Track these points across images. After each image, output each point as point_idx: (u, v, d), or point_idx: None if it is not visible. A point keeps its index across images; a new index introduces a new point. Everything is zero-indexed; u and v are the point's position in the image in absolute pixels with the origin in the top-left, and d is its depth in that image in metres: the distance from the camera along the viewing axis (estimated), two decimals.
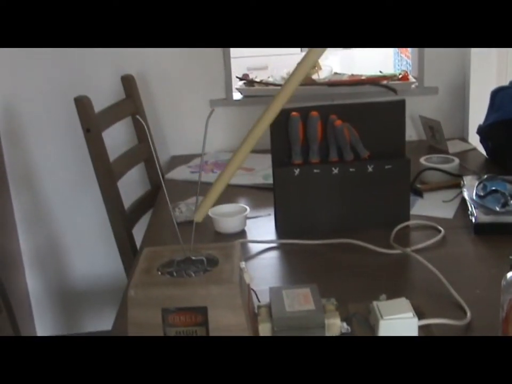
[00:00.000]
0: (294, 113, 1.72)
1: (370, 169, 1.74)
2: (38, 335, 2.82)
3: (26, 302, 2.79)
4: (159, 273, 1.14)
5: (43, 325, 2.84)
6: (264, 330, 1.13)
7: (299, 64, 1.13)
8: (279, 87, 2.62)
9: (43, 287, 2.82)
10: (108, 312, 2.74)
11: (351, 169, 1.74)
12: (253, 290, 1.23)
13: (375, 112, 1.77)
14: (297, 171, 1.72)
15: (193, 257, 1.17)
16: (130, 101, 2.39)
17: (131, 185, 2.47)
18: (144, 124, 1.20)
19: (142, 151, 2.37)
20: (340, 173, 1.73)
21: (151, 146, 1.28)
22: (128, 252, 2.12)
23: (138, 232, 2.04)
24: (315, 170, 1.73)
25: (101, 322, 2.79)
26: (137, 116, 1.20)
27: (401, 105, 1.76)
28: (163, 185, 1.24)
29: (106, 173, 2.09)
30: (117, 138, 2.48)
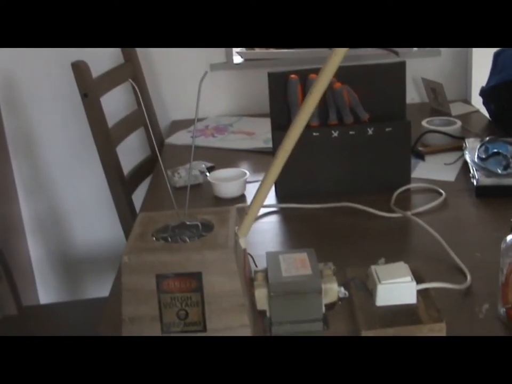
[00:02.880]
0: (292, 75, 1.70)
1: (370, 132, 1.72)
2: (41, 301, 2.82)
3: (29, 268, 2.78)
4: (154, 238, 1.12)
5: (46, 291, 2.85)
6: (260, 295, 1.11)
7: (323, 70, 1.11)
8: (279, 50, 2.59)
9: (45, 253, 2.81)
10: (110, 278, 2.72)
11: (351, 132, 1.72)
12: (250, 255, 1.21)
13: (376, 74, 1.74)
14: None
15: (188, 223, 1.15)
16: (129, 66, 2.36)
17: (131, 151, 2.45)
18: (137, 88, 1.18)
19: (141, 116, 2.34)
20: (339, 136, 1.71)
21: (143, 111, 1.25)
22: (128, 217, 2.10)
23: (139, 198, 2.02)
24: (314, 134, 1.71)
25: (102, 288, 2.78)
26: (130, 80, 1.17)
27: (401, 67, 1.74)
28: (156, 150, 1.22)
29: (105, 139, 2.07)
30: (116, 103, 2.45)
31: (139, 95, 1.18)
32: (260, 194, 1.14)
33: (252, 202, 1.14)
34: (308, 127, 1.71)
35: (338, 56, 1.06)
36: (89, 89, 2.00)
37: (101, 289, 2.79)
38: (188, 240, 1.11)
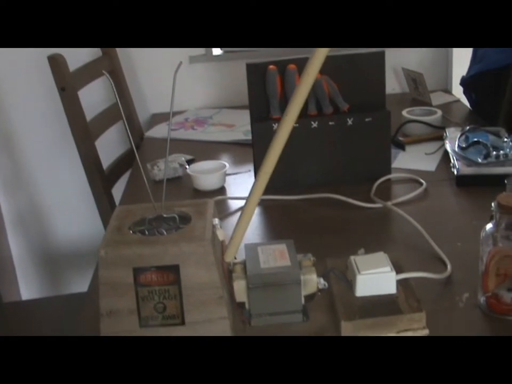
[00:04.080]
0: (271, 66, 1.68)
1: (350, 122, 1.71)
2: (23, 297, 2.80)
3: (10, 264, 2.76)
4: (131, 232, 1.11)
5: (27, 287, 2.83)
6: (239, 287, 1.10)
7: (306, 71, 1.08)
8: None
9: (26, 249, 2.79)
10: (91, 272, 2.70)
11: (330, 123, 1.71)
12: None
13: (355, 64, 1.73)
14: (275, 125, 1.69)
15: (165, 215, 1.14)
16: (107, 59, 2.34)
17: (110, 145, 2.43)
18: (111, 81, 1.15)
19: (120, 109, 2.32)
20: (319, 127, 1.70)
21: (119, 105, 1.23)
22: (107, 211, 2.09)
23: (119, 191, 2.01)
24: (294, 125, 1.69)
25: (84, 283, 2.75)
26: (104, 72, 1.15)
27: (381, 56, 1.73)
28: (132, 143, 1.21)
29: (84, 133, 2.05)
30: (95, 97, 2.43)
31: (114, 88, 1.16)
32: (244, 217, 1.11)
33: (236, 226, 1.12)
34: None
35: (320, 57, 1.04)
36: (67, 83, 1.98)
37: (82, 283, 2.76)
38: (165, 232, 1.10)
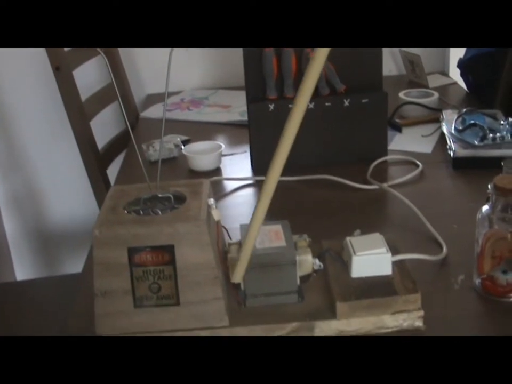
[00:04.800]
0: (267, 48, 1.67)
1: (346, 103, 1.70)
2: (17, 278, 2.80)
3: (5, 245, 2.76)
4: (125, 211, 1.10)
5: (22, 267, 2.82)
6: (234, 268, 1.10)
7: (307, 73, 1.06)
8: None
9: (20, 229, 2.78)
10: (86, 253, 2.71)
11: (327, 104, 1.70)
12: (224, 227, 1.20)
13: None
14: (271, 106, 1.68)
15: (160, 195, 1.13)
16: None
17: (106, 125, 2.41)
18: (107, 60, 1.14)
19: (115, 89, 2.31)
20: (315, 108, 1.69)
21: (114, 84, 1.22)
22: (102, 192, 2.08)
23: (114, 172, 2.00)
24: (290, 105, 1.67)
25: (79, 264, 2.75)
26: (99, 50, 1.14)
27: None
28: (127, 123, 1.20)
29: (78, 113, 2.04)
30: (90, 77, 2.41)
31: (109, 68, 1.15)
32: (251, 234, 1.07)
33: (243, 246, 1.08)
34: (284, 99, 1.70)
35: (321, 58, 1.02)
36: (61, 63, 1.96)
37: (78, 264, 2.75)
38: (159, 212, 1.10)
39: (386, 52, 1.79)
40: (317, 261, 1.13)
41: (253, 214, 1.05)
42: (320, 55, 0.99)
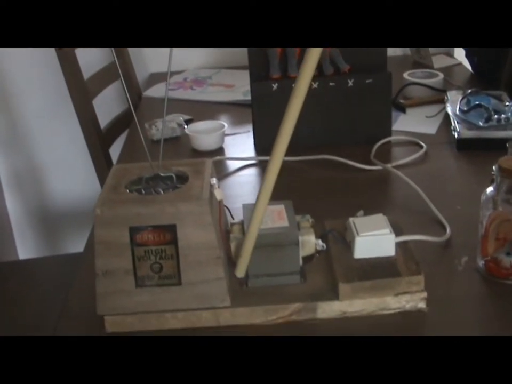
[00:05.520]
0: None
1: (350, 83, 1.69)
2: (20, 257, 2.80)
3: (7, 224, 2.75)
4: (127, 190, 1.09)
5: (24, 246, 2.82)
6: (237, 248, 1.10)
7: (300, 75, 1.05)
8: None
9: (23, 208, 2.78)
10: (88, 232, 2.71)
11: (330, 84, 1.69)
12: (227, 207, 1.19)
13: None
14: (275, 85, 1.67)
15: (162, 174, 1.13)
16: None
17: (108, 104, 2.40)
18: None
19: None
20: (319, 88, 1.68)
21: (117, 63, 1.21)
22: (105, 171, 2.07)
23: (117, 151, 1.99)
24: (293, 85, 1.67)
25: (81, 243, 2.74)
26: None
27: None
28: (129, 102, 1.19)
29: (81, 92, 2.03)
30: (93, 55, 2.39)
31: (112, 49, 1.14)
32: (254, 220, 1.07)
33: (245, 238, 1.06)
34: (287, 78, 1.69)
35: (314, 57, 1.01)
36: None
37: (80, 243, 2.75)
38: (162, 192, 1.09)
39: None
40: (320, 242, 1.12)
41: (257, 200, 1.04)
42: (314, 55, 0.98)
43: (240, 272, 1.09)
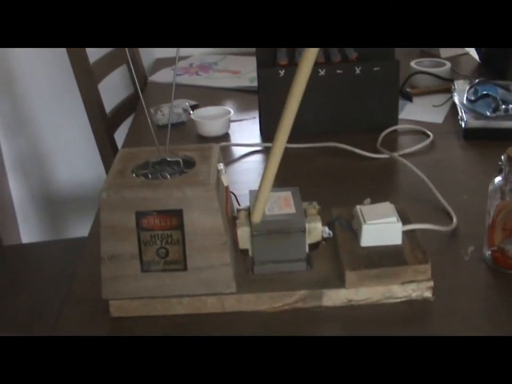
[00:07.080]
0: None
1: (358, 71, 1.68)
2: (23, 241, 2.80)
3: (10, 207, 2.75)
4: (134, 175, 1.09)
5: (28, 230, 2.82)
6: (243, 234, 1.09)
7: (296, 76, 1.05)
8: None
9: (26, 192, 2.78)
10: (92, 217, 2.70)
11: (338, 71, 1.68)
12: (233, 193, 1.19)
13: None
14: (282, 72, 1.66)
15: (169, 159, 1.12)
16: None
17: (114, 88, 2.39)
18: None
19: (124, 53, 2.29)
20: (326, 75, 1.67)
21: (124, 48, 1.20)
22: (110, 156, 2.07)
23: (122, 136, 1.99)
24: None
25: (85, 227, 2.74)
26: None
27: None
28: (138, 87, 1.18)
29: (86, 76, 2.02)
30: None
31: None
32: (267, 175, 1.07)
33: (260, 185, 1.08)
34: (294, 65, 1.67)
35: (311, 57, 1.01)
36: None
37: (83, 228, 2.75)
38: (168, 176, 1.08)
39: None
40: (326, 229, 1.11)
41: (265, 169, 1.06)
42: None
43: (256, 217, 1.09)
